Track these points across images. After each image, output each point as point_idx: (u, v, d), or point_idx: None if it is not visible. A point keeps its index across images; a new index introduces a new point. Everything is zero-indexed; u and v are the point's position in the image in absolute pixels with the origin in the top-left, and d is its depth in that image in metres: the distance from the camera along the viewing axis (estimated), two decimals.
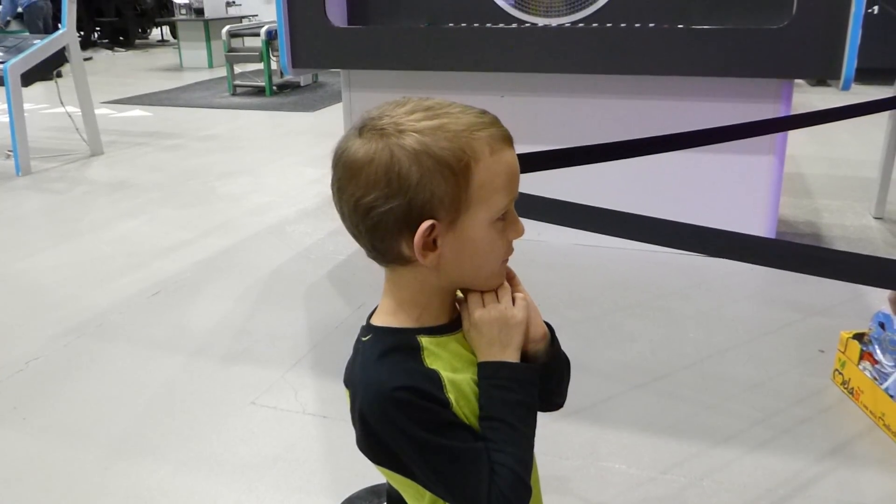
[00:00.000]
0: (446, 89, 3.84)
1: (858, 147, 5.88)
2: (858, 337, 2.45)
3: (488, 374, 0.86)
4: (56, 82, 5.77)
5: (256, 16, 12.99)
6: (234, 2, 13.59)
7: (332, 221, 4.27)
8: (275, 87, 9.05)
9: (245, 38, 10.13)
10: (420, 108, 0.84)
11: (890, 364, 2.31)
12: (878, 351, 2.37)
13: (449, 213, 0.82)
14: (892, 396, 2.25)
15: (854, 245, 3.80)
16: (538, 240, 3.70)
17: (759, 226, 3.55)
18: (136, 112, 8.14)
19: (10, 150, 5.66)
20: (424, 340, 0.87)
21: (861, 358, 2.40)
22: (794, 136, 5.66)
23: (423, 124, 0.82)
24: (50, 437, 2.32)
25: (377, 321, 0.91)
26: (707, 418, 2.34)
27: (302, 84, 9.47)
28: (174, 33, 15.11)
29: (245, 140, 6.75)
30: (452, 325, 0.91)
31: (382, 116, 0.85)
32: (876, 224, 4.13)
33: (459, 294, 0.92)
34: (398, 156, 0.81)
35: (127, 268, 3.68)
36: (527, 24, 3.62)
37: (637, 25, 3.40)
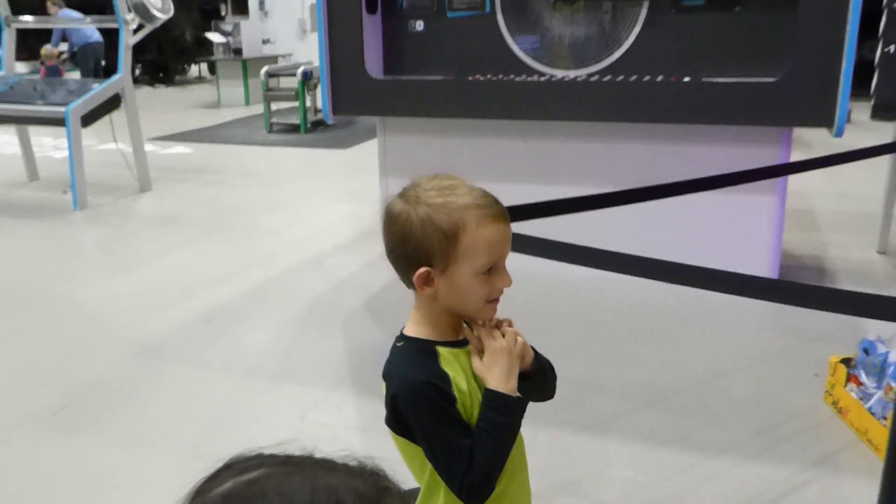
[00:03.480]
0: (473, 135, 4.18)
1: (867, 183, 6.11)
2: (846, 361, 2.72)
3: (490, 399, 1.16)
4: (111, 122, 6.21)
5: (291, 54, 13.51)
6: (268, 40, 14.16)
7: (366, 255, 4.62)
8: (309, 125, 9.48)
9: (281, 78, 10.61)
10: (438, 186, 1.16)
11: (873, 385, 2.58)
12: (863, 374, 2.63)
13: (441, 263, 1.14)
14: (874, 415, 2.51)
15: (855, 278, 4.05)
16: (555, 273, 4.00)
17: (762, 261, 3.82)
18: (179, 149, 8.61)
19: (66, 187, 6.09)
20: (441, 349, 1.18)
21: (848, 380, 2.67)
22: (807, 172, 5.93)
23: (434, 200, 1.14)
24: (127, 446, 2.65)
25: (408, 332, 1.23)
26: (707, 432, 2.62)
27: (327, 122, 9.90)
28: (212, 70, 15.76)
29: (282, 176, 7.16)
30: (461, 342, 1.22)
31: (414, 187, 1.18)
32: (879, 258, 4.38)
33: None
34: (412, 219, 1.14)
35: (181, 297, 4.04)
36: (547, 77, 3.96)
37: (647, 78, 3.73)
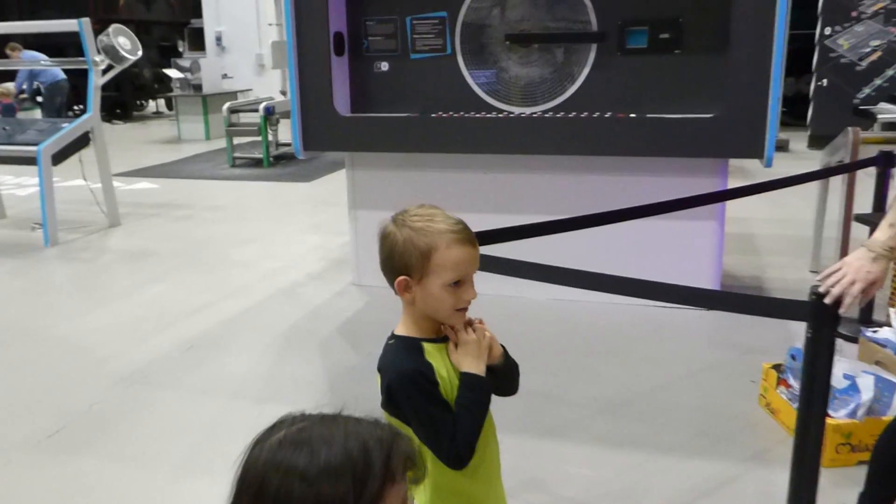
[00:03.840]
0: (437, 168, 4.47)
1: (804, 208, 6.55)
2: (776, 367, 3.04)
3: (465, 380, 1.42)
4: (80, 160, 6.36)
5: (251, 90, 13.74)
6: (227, 75, 14.36)
7: (337, 284, 4.85)
8: (272, 159, 9.70)
9: (241, 113, 10.81)
10: (421, 214, 1.44)
11: (798, 387, 2.89)
12: (791, 377, 2.95)
13: (417, 274, 1.41)
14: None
15: (789, 294, 4.40)
16: (520, 296, 4.28)
17: (705, 281, 4.16)
18: (144, 184, 8.74)
19: (35, 223, 6.22)
20: (425, 345, 1.44)
21: (778, 384, 2.98)
22: (748, 199, 6.34)
23: (416, 225, 1.41)
24: (122, 464, 2.83)
25: (398, 332, 1.48)
26: (655, 434, 2.91)
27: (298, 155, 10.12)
28: (169, 106, 15.88)
29: (249, 210, 7.36)
30: (442, 339, 1.47)
31: (403, 213, 1.45)
32: (810, 276, 4.75)
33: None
34: (397, 238, 1.42)
35: (160, 327, 4.22)
36: (504, 113, 4.28)
37: (597, 114, 4.07)
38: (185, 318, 4.34)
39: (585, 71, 4.17)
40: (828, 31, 9.81)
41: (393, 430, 0.99)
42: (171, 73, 13.15)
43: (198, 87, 12.43)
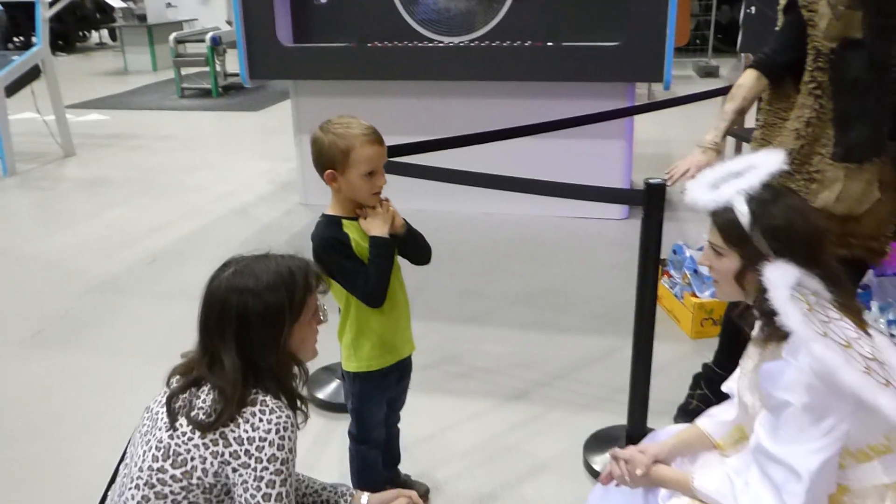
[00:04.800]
0: (375, 94, 4.85)
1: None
2: (662, 261, 3.58)
3: (372, 241, 1.85)
4: (33, 92, 6.56)
5: (196, 19, 13.68)
6: (170, 3, 14.23)
7: (286, 204, 5.26)
8: (220, 89, 9.88)
9: (188, 44, 10.88)
10: (341, 122, 1.86)
11: (678, 276, 3.45)
12: (672, 269, 3.50)
13: (340, 167, 1.83)
14: (676, 297, 3.38)
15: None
16: (456, 210, 4.75)
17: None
18: (94, 116, 8.91)
19: None
20: (344, 221, 1.88)
21: (662, 274, 3.53)
22: (668, 121, 6.85)
23: (337, 130, 1.84)
24: (99, 356, 3.28)
25: (326, 212, 1.92)
26: (560, 318, 3.45)
27: (246, 85, 10.29)
28: (113, 37, 15.68)
29: (199, 139, 7.64)
30: (356, 218, 1.91)
31: (327, 122, 1.87)
32: None
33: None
34: (324, 141, 1.84)
35: (123, 244, 4.60)
36: (435, 43, 4.66)
37: (518, 43, 4.48)
38: (146, 236, 4.73)
39: (507, 3, 4.55)
40: None
41: (307, 259, 1.47)
42: (114, 2, 13.03)
43: (142, 18, 12.38)
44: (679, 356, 3.12)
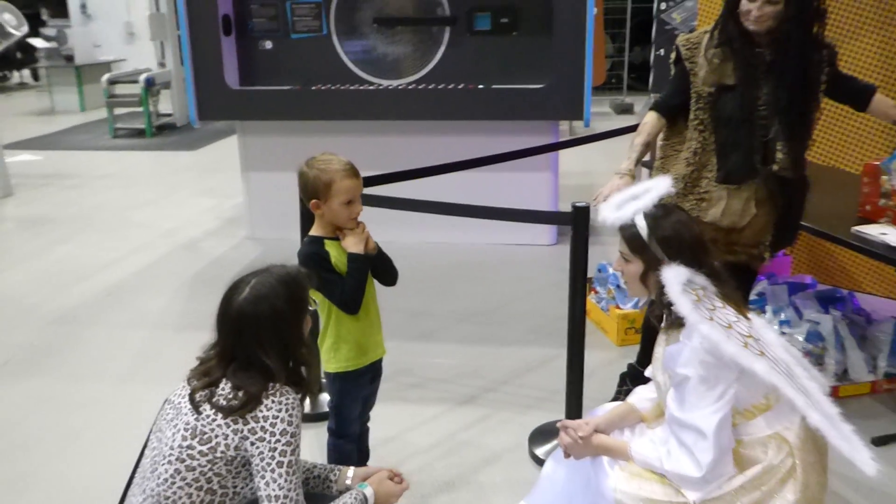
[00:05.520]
0: (318, 133, 5.17)
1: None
2: (588, 280, 3.99)
3: (350, 257, 2.17)
4: None
5: (125, 60, 13.71)
6: (97, 44, 14.21)
7: (233, 238, 5.50)
8: (154, 129, 10.00)
9: (119, 84, 10.94)
10: (323, 159, 2.18)
11: (603, 291, 3.86)
12: (598, 285, 3.92)
13: (323, 197, 2.14)
14: (602, 310, 3.79)
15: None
16: (395, 241, 5.06)
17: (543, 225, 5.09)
18: (26, 156, 8.90)
19: None
20: (326, 241, 2.19)
21: (589, 291, 3.94)
22: (590, 155, 7.36)
23: (320, 165, 2.17)
24: (69, 381, 3.46)
25: (311, 233, 2.23)
26: (500, 333, 3.82)
27: (178, 125, 10.45)
28: (35, 76, 15.53)
29: (139, 177, 7.77)
30: (336, 238, 2.22)
31: (312, 159, 2.19)
32: None
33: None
34: (309, 175, 2.17)
35: (77, 279, 4.76)
36: (375, 85, 5.03)
37: (451, 86, 4.89)
38: (98, 271, 4.89)
39: (441, 49, 4.98)
40: (663, 6, 11.02)
41: (301, 270, 1.81)
42: (37, 42, 12.98)
43: (69, 58, 12.38)
44: (607, 361, 3.51)
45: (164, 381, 3.37)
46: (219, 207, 6.38)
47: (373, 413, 2.52)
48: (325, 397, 3.03)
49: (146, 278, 4.77)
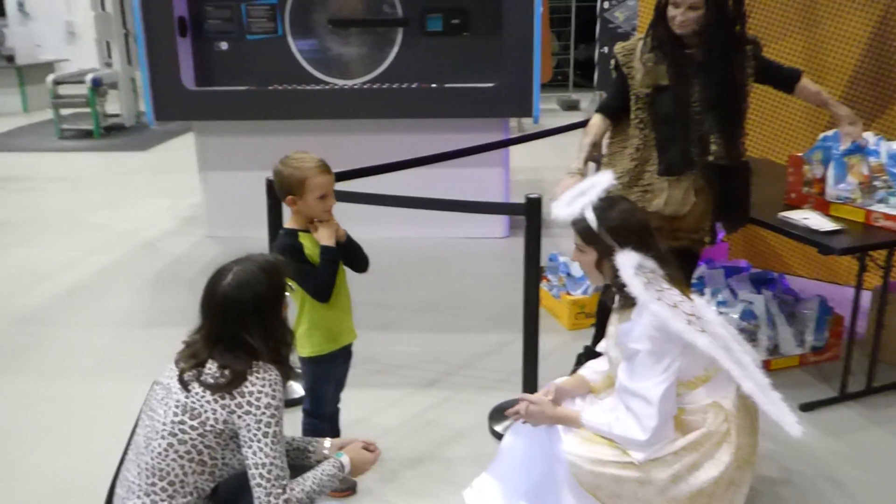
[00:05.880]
0: (274, 133, 5.28)
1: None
2: (541, 268, 4.21)
3: (322, 248, 2.32)
4: None
5: (69, 60, 13.49)
6: (38, 44, 13.93)
7: (192, 237, 5.57)
8: (102, 130, 9.92)
9: (64, 85, 10.78)
10: (297, 157, 2.33)
11: (554, 280, 4.08)
12: (549, 274, 4.13)
13: (298, 193, 2.30)
14: (554, 297, 4.01)
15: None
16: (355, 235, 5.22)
17: (495, 217, 5.30)
18: None
19: None
20: (300, 233, 2.35)
21: (541, 279, 4.15)
22: (539, 151, 7.59)
23: (294, 164, 2.32)
24: (40, 379, 3.53)
25: (286, 226, 2.38)
26: (458, 321, 4.01)
27: (127, 125, 10.38)
28: None
29: (90, 179, 7.73)
30: (308, 230, 2.38)
31: (287, 157, 2.34)
32: None
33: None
34: (284, 172, 2.32)
35: (38, 280, 4.79)
36: (330, 85, 5.16)
37: (405, 85, 5.06)
38: (58, 272, 4.92)
39: (395, 50, 5.14)
40: (606, 5, 11.34)
41: (280, 259, 1.98)
42: None
43: (10, 58, 12.15)
44: (560, 344, 3.73)
45: (133, 376, 3.49)
46: (175, 207, 6.43)
47: (342, 397, 2.68)
48: (296, 385, 3.20)
49: (107, 278, 4.83)
